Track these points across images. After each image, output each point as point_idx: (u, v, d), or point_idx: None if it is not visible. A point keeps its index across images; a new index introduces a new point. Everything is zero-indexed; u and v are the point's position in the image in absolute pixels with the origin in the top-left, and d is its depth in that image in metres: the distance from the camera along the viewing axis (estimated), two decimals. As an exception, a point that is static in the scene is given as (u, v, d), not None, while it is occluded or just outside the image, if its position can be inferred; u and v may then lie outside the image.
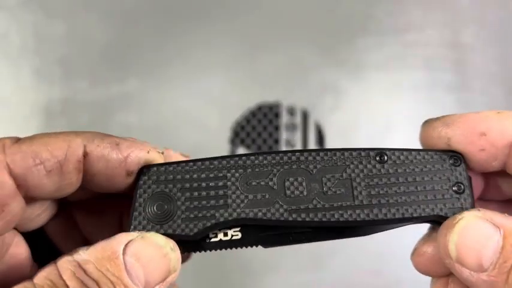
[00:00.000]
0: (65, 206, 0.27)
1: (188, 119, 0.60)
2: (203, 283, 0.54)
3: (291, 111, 0.60)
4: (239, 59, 0.61)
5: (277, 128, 0.60)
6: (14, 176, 0.22)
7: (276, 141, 0.60)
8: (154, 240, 0.22)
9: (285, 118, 0.60)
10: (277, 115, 0.60)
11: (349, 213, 0.23)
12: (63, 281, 0.20)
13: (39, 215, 0.25)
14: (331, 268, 0.57)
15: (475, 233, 0.22)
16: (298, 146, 0.59)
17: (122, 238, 0.22)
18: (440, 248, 0.23)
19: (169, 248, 0.22)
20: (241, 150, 0.59)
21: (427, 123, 0.25)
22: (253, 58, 0.61)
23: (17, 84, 0.59)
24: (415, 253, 0.26)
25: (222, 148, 0.59)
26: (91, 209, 0.28)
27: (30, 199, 0.23)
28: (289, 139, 0.60)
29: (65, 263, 0.21)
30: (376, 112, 0.60)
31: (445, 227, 0.23)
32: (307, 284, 0.57)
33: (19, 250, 0.24)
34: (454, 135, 0.24)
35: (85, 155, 0.23)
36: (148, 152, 0.24)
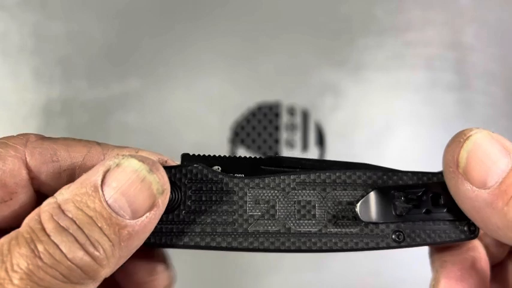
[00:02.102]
0: None
1: (188, 119, 0.60)
2: (203, 283, 0.54)
3: (291, 111, 0.60)
4: (239, 59, 0.61)
5: (277, 128, 0.60)
6: (29, 168, 0.22)
7: (276, 141, 0.60)
8: (128, 165, 0.21)
9: (285, 118, 0.60)
10: (277, 115, 0.60)
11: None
12: (41, 225, 0.19)
13: None
14: (331, 268, 0.57)
15: (489, 148, 0.22)
16: (298, 146, 0.59)
17: (99, 167, 0.21)
18: (448, 155, 0.22)
19: (145, 171, 0.21)
20: (241, 150, 0.59)
21: None
22: (254, 58, 0.61)
23: (17, 84, 0.59)
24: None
25: (222, 148, 0.59)
26: None
27: (42, 196, 0.23)
28: (289, 139, 0.60)
29: (46, 206, 0.20)
30: (376, 112, 0.60)
31: (460, 136, 0.23)
32: (307, 284, 0.57)
33: None
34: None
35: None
36: (166, 162, 0.25)
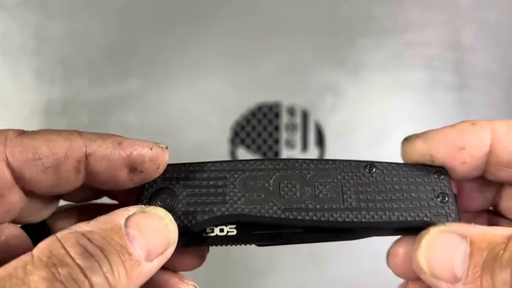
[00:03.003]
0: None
1: (188, 119, 0.60)
2: (203, 282, 0.54)
3: (291, 111, 0.60)
4: (239, 59, 0.61)
5: (277, 128, 0.60)
6: (11, 168, 0.22)
7: (276, 141, 0.60)
8: (154, 213, 0.23)
9: (285, 118, 0.60)
10: (277, 115, 0.60)
11: (338, 214, 0.25)
12: (65, 250, 0.20)
13: (40, 209, 0.26)
14: (331, 268, 0.57)
15: (442, 245, 0.22)
16: (298, 146, 0.59)
17: (123, 212, 0.22)
18: (414, 265, 0.23)
19: (169, 220, 0.23)
20: (241, 150, 0.59)
21: (408, 142, 0.26)
22: (254, 58, 0.61)
23: (17, 84, 0.59)
24: (389, 256, 0.26)
25: (222, 148, 0.59)
26: (91, 210, 0.28)
27: (29, 193, 0.23)
28: (289, 139, 0.60)
29: (67, 234, 0.20)
30: (375, 112, 0.60)
31: (415, 243, 0.23)
32: (307, 284, 0.57)
33: (20, 243, 0.25)
34: (435, 152, 0.25)
35: (87, 156, 0.23)
36: (151, 149, 0.24)
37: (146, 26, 0.61)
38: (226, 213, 0.25)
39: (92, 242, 0.20)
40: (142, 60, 0.61)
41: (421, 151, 0.26)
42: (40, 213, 0.26)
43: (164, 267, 0.26)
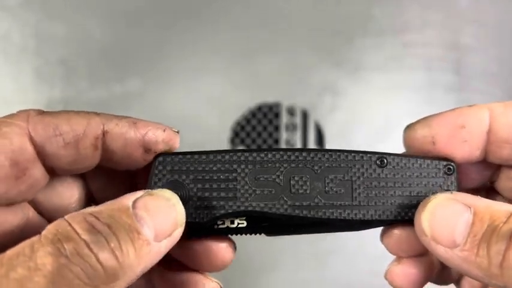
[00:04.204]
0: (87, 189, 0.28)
1: (188, 119, 0.60)
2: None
3: (291, 111, 0.60)
4: (239, 59, 0.61)
5: (277, 128, 0.60)
6: (34, 143, 0.23)
7: (276, 141, 0.60)
8: (161, 194, 0.23)
9: (285, 118, 0.60)
10: (277, 115, 0.60)
11: (347, 212, 0.25)
12: (71, 226, 0.20)
13: (62, 192, 0.26)
14: (331, 267, 0.57)
15: (446, 211, 0.23)
16: (298, 146, 0.60)
17: (130, 195, 0.22)
18: (416, 227, 0.24)
19: (176, 200, 0.23)
20: (241, 150, 0.60)
21: (410, 128, 0.27)
22: (254, 58, 0.61)
23: (18, 85, 0.59)
24: (384, 235, 0.27)
25: (222, 148, 0.59)
26: (107, 190, 0.29)
27: (50, 170, 0.24)
28: (289, 139, 0.60)
29: (74, 214, 0.21)
30: (375, 112, 0.60)
31: (420, 207, 0.24)
32: (307, 283, 0.57)
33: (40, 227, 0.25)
34: (437, 133, 0.26)
35: (104, 133, 0.24)
36: (164, 131, 0.25)
37: (146, 26, 0.62)
38: (238, 210, 0.25)
39: (99, 219, 0.20)
40: (142, 60, 0.61)
41: (422, 135, 0.26)
42: (62, 197, 0.26)
43: (188, 268, 0.27)
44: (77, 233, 0.20)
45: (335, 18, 0.62)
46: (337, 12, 0.62)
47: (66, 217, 0.21)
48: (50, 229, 0.20)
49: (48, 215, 0.26)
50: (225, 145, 0.59)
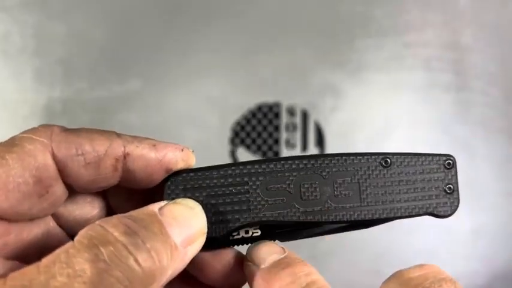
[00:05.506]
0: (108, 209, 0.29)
1: (188, 119, 0.60)
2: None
3: (291, 111, 0.60)
4: (239, 59, 0.61)
5: (277, 128, 0.60)
6: (56, 161, 0.23)
7: (276, 141, 0.60)
8: (185, 203, 0.24)
9: (285, 118, 0.60)
10: (277, 115, 0.60)
11: (356, 214, 0.26)
12: (107, 230, 0.20)
13: (82, 206, 0.27)
14: (331, 268, 0.57)
15: None
16: (298, 146, 0.60)
17: (155, 204, 0.23)
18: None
19: (199, 209, 0.24)
20: (241, 150, 0.60)
21: None
22: (254, 58, 0.61)
23: (18, 85, 0.59)
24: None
25: (222, 148, 0.59)
26: (127, 205, 0.29)
27: (69, 187, 0.25)
28: (289, 139, 0.60)
29: (107, 219, 0.21)
30: (375, 112, 0.60)
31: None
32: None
33: (62, 240, 0.25)
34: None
35: (126, 155, 0.25)
36: (182, 150, 0.26)
37: (146, 26, 0.62)
38: (253, 221, 0.26)
39: (135, 221, 0.21)
40: (142, 61, 0.61)
41: None
42: (82, 214, 0.27)
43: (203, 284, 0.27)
44: (114, 236, 0.20)
45: (335, 18, 0.62)
46: (337, 12, 0.62)
47: (98, 222, 0.21)
48: (83, 234, 0.20)
49: (67, 227, 0.26)
50: (225, 145, 0.59)
